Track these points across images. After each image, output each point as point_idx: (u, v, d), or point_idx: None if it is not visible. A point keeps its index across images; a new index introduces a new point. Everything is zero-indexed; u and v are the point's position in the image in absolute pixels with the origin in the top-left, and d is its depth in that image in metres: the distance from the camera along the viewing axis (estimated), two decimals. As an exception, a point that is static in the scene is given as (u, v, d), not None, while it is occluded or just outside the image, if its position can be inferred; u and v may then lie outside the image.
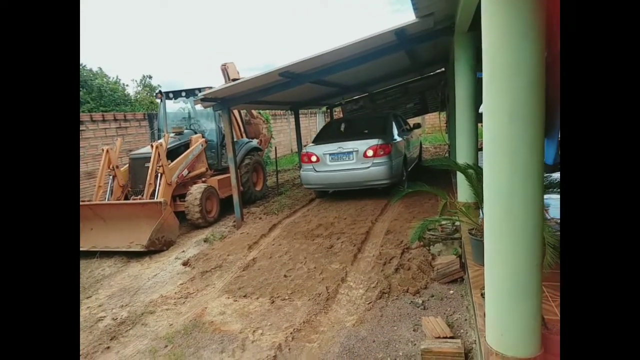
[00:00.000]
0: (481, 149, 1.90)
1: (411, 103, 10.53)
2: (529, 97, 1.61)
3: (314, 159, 6.58)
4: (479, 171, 3.08)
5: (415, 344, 2.60)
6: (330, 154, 6.45)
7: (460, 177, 4.26)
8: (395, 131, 6.95)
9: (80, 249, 5.24)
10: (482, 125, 1.92)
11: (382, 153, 6.13)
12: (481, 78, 1.85)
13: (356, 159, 6.26)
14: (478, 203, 3.23)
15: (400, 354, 2.54)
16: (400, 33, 4.48)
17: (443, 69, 9.14)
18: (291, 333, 2.89)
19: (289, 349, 2.72)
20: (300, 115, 10.19)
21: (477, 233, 2.97)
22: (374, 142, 6.17)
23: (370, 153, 6.15)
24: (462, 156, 4.39)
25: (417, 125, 8.84)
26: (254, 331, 3.00)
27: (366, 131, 7.00)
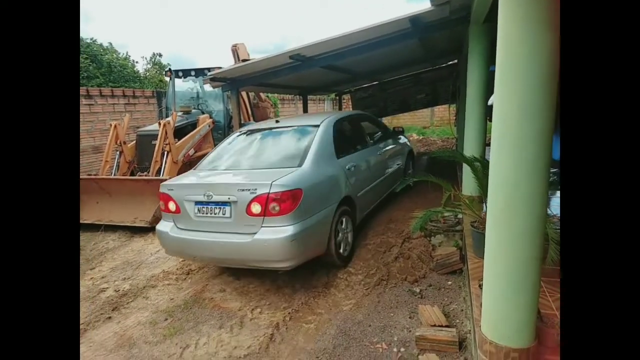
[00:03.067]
0: (489, 144, 1.89)
1: (422, 94, 10.42)
2: (541, 90, 1.59)
3: (172, 207, 3.47)
4: (485, 164, 3.07)
5: (410, 331, 2.64)
6: (196, 203, 3.35)
7: (466, 170, 4.24)
8: (327, 156, 3.80)
9: (85, 221, 5.33)
10: (490, 121, 1.91)
11: (277, 210, 3.04)
12: (493, 71, 1.83)
13: (234, 217, 3.18)
14: (482, 197, 3.22)
15: (395, 339, 2.58)
16: (415, 20, 4.41)
17: (456, 61, 9.02)
18: (289, 313, 2.94)
19: (286, 328, 2.77)
20: (309, 102, 10.13)
21: (479, 226, 2.98)
22: (264, 187, 3.06)
23: (256, 208, 3.08)
24: (470, 150, 4.36)
25: (398, 131, 6.15)
26: (252, 309, 3.05)
27: (277, 155, 3.94)
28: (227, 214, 3.21)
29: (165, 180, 5.34)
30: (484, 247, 1.89)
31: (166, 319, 3.02)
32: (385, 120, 17.41)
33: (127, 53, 13.89)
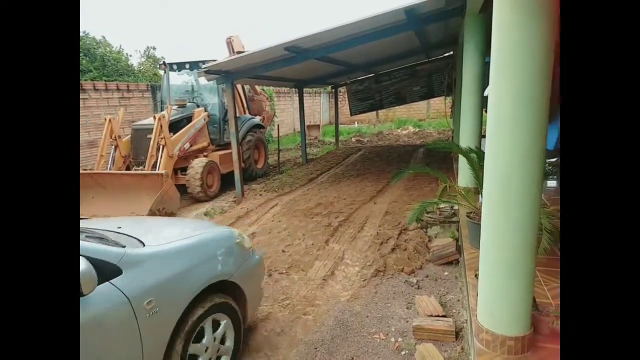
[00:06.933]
0: (485, 136, 1.90)
1: (417, 86, 10.40)
2: (535, 80, 1.59)
3: None
4: (481, 155, 3.08)
5: (407, 321, 2.67)
6: None
7: (462, 162, 4.26)
8: None
9: (82, 217, 5.29)
10: (486, 112, 1.91)
11: None
12: (489, 63, 1.83)
13: None
14: (478, 188, 3.24)
15: (393, 329, 2.60)
16: (410, 12, 4.39)
17: (452, 52, 8.99)
18: (287, 305, 2.96)
19: (284, 321, 2.79)
20: (305, 95, 10.09)
21: (475, 217, 3.00)
22: None
23: None
24: (466, 141, 4.37)
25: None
26: (250, 302, 3.06)
27: None
28: None
29: (162, 173, 5.35)
30: (479, 237, 1.91)
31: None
32: (382, 113, 17.47)
33: (120, 46, 13.67)
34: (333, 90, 11.97)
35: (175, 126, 6.40)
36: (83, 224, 2.24)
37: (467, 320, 2.52)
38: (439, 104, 16.03)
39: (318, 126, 15.63)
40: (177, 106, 6.92)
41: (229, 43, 7.92)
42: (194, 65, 7.26)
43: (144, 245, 1.93)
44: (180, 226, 2.70)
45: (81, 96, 7.58)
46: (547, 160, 2.18)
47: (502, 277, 1.77)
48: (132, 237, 2.05)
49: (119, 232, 2.11)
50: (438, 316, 2.59)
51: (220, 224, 4.91)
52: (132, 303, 1.63)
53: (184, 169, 6.38)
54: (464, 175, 4.34)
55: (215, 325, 2.10)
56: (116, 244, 1.84)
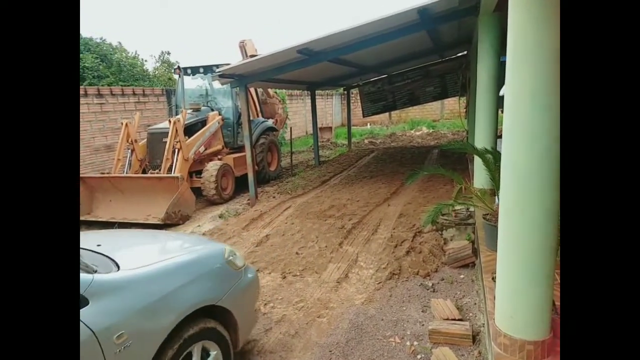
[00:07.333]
0: (500, 136, 1.87)
1: (430, 86, 10.31)
2: (552, 79, 1.55)
3: None
4: (497, 156, 3.02)
5: (423, 325, 2.63)
6: None
7: (477, 163, 4.19)
8: None
9: (100, 219, 5.43)
10: (502, 112, 1.88)
11: None
12: (504, 62, 1.80)
13: None
14: (494, 189, 3.18)
15: (408, 333, 2.57)
16: (423, 12, 4.36)
17: (465, 52, 8.88)
18: (301, 308, 2.96)
19: (299, 323, 2.79)
20: (317, 97, 10.10)
21: (492, 218, 2.94)
22: None
23: None
24: (481, 141, 4.29)
25: None
26: (265, 304, 3.07)
27: None
28: None
29: (178, 176, 5.43)
30: (496, 240, 1.87)
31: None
32: (395, 114, 17.36)
33: (136, 52, 13.99)
34: (345, 92, 11.97)
35: (190, 130, 6.49)
36: None
37: (484, 324, 2.47)
38: (453, 104, 15.82)
39: (330, 128, 15.63)
40: (191, 110, 7.03)
41: (242, 47, 8.00)
42: (207, 70, 7.35)
43: (118, 268, 1.76)
44: (166, 243, 2.49)
45: (98, 101, 7.76)
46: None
47: (520, 280, 1.74)
48: (108, 257, 1.86)
49: (95, 252, 1.91)
50: (454, 320, 2.55)
51: (234, 227, 4.96)
52: (99, 338, 1.43)
53: (198, 172, 6.47)
54: (479, 176, 4.26)
55: (201, 354, 1.89)
56: (86, 267, 1.63)
